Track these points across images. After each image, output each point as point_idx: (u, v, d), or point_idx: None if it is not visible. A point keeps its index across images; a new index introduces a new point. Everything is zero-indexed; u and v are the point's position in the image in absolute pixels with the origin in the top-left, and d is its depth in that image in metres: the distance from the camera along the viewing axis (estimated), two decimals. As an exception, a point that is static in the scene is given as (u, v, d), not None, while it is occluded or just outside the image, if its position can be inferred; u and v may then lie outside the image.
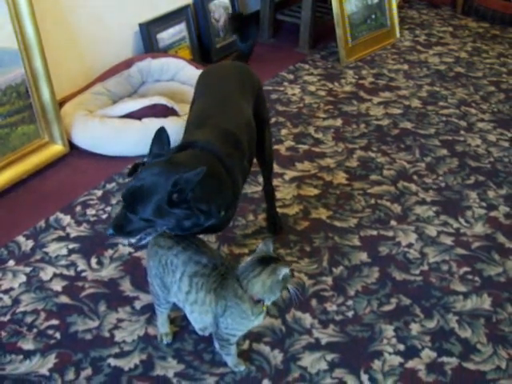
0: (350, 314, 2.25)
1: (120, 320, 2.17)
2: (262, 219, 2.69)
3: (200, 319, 1.88)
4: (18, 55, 2.82)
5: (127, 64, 3.58)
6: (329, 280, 2.39)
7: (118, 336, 2.11)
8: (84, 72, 3.51)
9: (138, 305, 2.23)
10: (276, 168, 3.02)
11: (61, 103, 3.23)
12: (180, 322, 2.16)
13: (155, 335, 2.11)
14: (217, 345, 1.97)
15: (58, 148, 3.04)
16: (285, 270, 1.72)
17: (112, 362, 2.02)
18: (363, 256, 2.52)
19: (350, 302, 2.29)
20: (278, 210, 2.69)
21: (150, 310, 2.18)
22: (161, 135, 1.84)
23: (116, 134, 3.08)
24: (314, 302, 2.28)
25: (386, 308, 2.28)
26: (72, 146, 3.13)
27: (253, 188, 2.88)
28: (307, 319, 2.21)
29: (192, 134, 2.01)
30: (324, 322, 2.20)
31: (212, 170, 1.83)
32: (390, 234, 2.66)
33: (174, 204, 1.73)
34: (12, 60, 2.81)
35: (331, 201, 2.85)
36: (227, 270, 1.84)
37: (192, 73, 3.59)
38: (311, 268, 2.44)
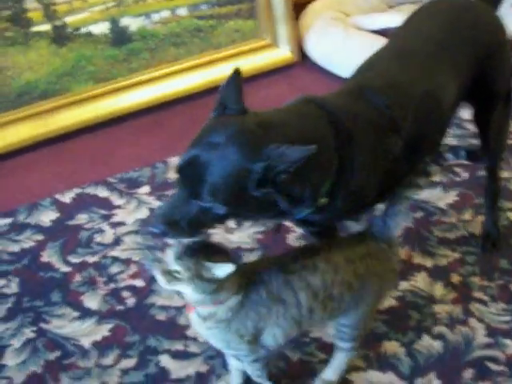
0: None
1: None
2: (481, 223, 2.21)
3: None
4: None
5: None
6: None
7: None
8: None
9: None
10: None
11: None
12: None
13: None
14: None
15: (280, 54, 2.94)
16: None
17: None
18: None
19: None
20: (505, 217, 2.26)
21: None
22: (233, 82, 1.51)
23: (355, 52, 2.76)
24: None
25: None
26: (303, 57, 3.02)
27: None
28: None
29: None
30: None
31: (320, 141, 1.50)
32: None
33: (260, 185, 1.44)
34: None
35: None
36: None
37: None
38: (500, 320, 1.93)
